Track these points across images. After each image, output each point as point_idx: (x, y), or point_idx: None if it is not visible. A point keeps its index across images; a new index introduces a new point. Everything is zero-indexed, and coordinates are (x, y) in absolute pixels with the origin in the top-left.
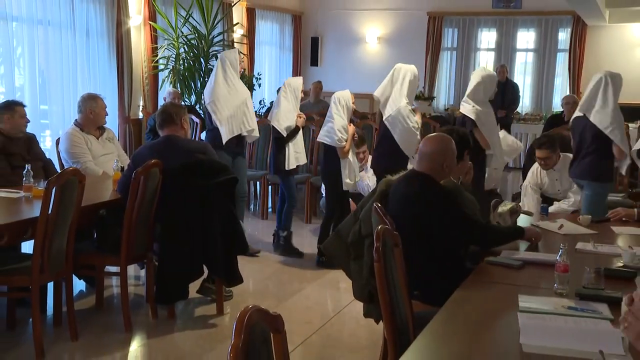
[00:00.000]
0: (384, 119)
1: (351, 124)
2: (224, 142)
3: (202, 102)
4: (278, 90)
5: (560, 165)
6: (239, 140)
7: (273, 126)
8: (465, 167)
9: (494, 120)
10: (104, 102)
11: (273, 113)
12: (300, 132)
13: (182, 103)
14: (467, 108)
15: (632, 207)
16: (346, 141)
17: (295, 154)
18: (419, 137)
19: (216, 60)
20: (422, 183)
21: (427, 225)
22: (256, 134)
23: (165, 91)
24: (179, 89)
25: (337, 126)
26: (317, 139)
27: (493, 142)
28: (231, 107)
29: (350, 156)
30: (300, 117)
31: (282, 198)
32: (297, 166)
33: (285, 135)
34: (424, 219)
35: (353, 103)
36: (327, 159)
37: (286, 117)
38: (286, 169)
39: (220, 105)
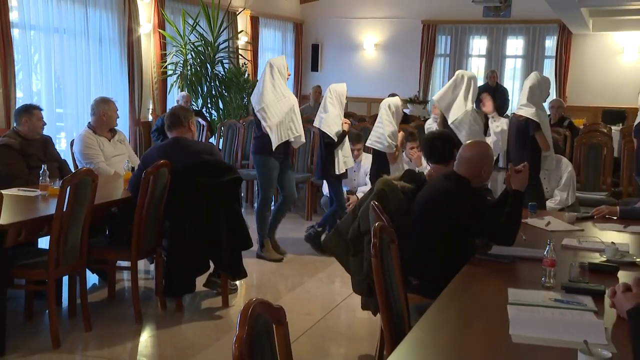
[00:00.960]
0: (449, 122)
1: (401, 131)
2: (273, 148)
3: (251, 109)
4: None
5: (549, 165)
6: (285, 146)
7: (322, 131)
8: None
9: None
10: (116, 105)
11: (321, 119)
12: (346, 137)
13: (192, 106)
14: (530, 111)
15: (614, 205)
16: (396, 147)
17: (344, 158)
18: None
19: (222, 65)
20: (460, 183)
21: (455, 222)
22: (302, 139)
23: (179, 94)
24: (182, 92)
25: (387, 132)
26: (368, 144)
27: (550, 144)
28: (280, 114)
29: (399, 161)
30: (346, 123)
31: (331, 201)
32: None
33: (335, 141)
34: (453, 216)
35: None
36: (377, 164)
37: (335, 122)
38: (336, 173)
39: (270, 113)
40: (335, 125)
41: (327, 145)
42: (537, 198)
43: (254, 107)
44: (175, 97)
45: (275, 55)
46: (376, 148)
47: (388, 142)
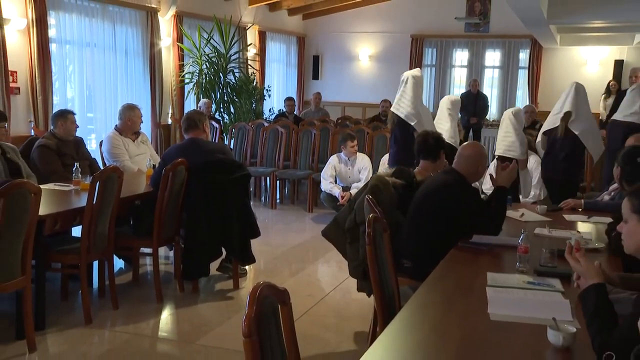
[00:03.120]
0: (578, 133)
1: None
2: None
3: (400, 115)
4: (286, 101)
5: (523, 163)
6: None
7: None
8: (442, 165)
9: None
10: (140, 111)
11: (443, 131)
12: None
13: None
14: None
15: (579, 198)
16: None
17: None
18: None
19: (233, 74)
20: (457, 178)
21: (451, 212)
22: None
23: (201, 101)
24: (202, 99)
25: (519, 141)
26: (498, 153)
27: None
28: (429, 124)
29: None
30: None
31: None
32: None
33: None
34: (450, 206)
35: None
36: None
37: (455, 134)
38: None
39: (422, 123)
40: (456, 136)
41: (448, 156)
42: None
43: (404, 116)
44: (191, 102)
45: (280, 66)
46: (508, 156)
47: (521, 150)
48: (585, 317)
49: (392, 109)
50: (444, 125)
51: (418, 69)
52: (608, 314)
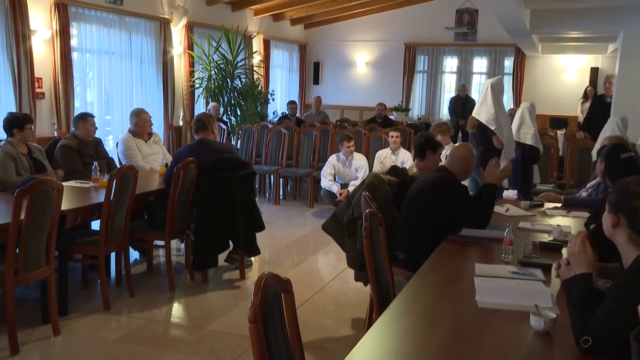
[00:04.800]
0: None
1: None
2: (504, 161)
3: (477, 123)
4: (288, 104)
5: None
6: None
7: (527, 144)
8: (433, 163)
9: None
10: (148, 114)
11: (525, 134)
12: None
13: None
14: None
15: (560, 194)
16: None
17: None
18: None
19: (239, 80)
20: (447, 176)
21: (441, 207)
22: (513, 154)
23: (210, 105)
24: (210, 102)
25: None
26: (476, 117)
27: None
28: (507, 129)
29: None
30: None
31: None
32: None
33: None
34: (441, 201)
35: None
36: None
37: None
38: (534, 182)
39: (503, 130)
40: (538, 139)
41: (533, 159)
42: None
43: (485, 122)
44: (201, 106)
45: (283, 71)
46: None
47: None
48: (568, 303)
49: (473, 114)
50: (530, 130)
51: (499, 77)
52: (590, 303)
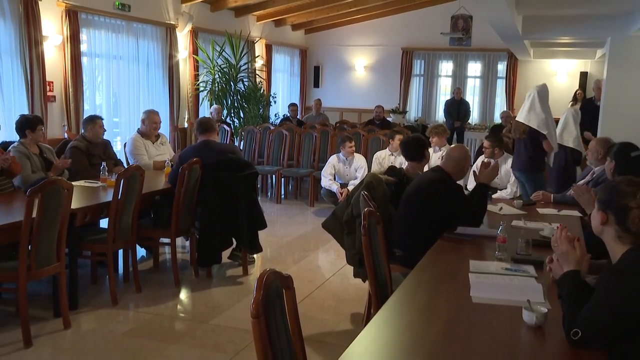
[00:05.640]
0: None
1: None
2: (550, 164)
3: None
4: (289, 106)
5: (501, 162)
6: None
7: (570, 148)
8: (425, 163)
9: None
10: (157, 117)
11: (573, 138)
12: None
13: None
14: None
15: (550, 193)
16: None
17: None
18: None
19: (242, 83)
20: (443, 176)
21: (437, 206)
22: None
23: (212, 107)
24: (214, 105)
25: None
26: (527, 123)
27: None
28: (554, 133)
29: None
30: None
31: None
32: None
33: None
34: (437, 201)
35: None
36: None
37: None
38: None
39: (552, 132)
40: (581, 143)
41: (575, 161)
42: None
43: (536, 127)
44: (205, 108)
45: (284, 75)
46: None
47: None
48: (560, 299)
49: (521, 120)
50: (572, 133)
51: (544, 83)
52: (579, 297)
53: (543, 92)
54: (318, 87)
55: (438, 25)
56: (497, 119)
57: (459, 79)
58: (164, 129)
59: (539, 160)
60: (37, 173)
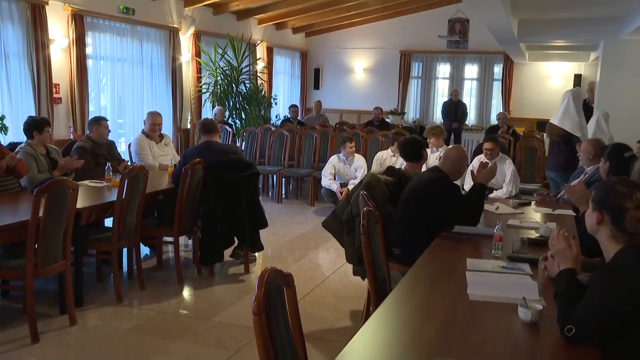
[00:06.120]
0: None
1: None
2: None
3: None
4: (290, 108)
5: (497, 162)
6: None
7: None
8: (423, 163)
9: None
10: (159, 118)
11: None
12: None
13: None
14: None
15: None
16: None
17: None
18: None
19: (244, 85)
20: (441, 176)
21: (435, 206)
22: None
23: (215, 108)
24: (218, 107)
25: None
26: (563, 126)
27: None
28: (586, 136)
29: None
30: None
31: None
32: None
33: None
34: (435, 200)
35: None
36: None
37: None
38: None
39: (585, 135)
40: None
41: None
42: None
43: (572, 132)
44: (208, 109)
45: (285, 77)
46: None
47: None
48: (555, 296)
49: (556, 123)
50: (606, 135)
51: (577, 87)
52: (573, 295)
53: (577, 96)
54: (318, 88)
55: (436, 29)
56: (494, 120)
57: (456, 81)
58: (167, 130)
59: (573, 162)
60: (44, 173)
